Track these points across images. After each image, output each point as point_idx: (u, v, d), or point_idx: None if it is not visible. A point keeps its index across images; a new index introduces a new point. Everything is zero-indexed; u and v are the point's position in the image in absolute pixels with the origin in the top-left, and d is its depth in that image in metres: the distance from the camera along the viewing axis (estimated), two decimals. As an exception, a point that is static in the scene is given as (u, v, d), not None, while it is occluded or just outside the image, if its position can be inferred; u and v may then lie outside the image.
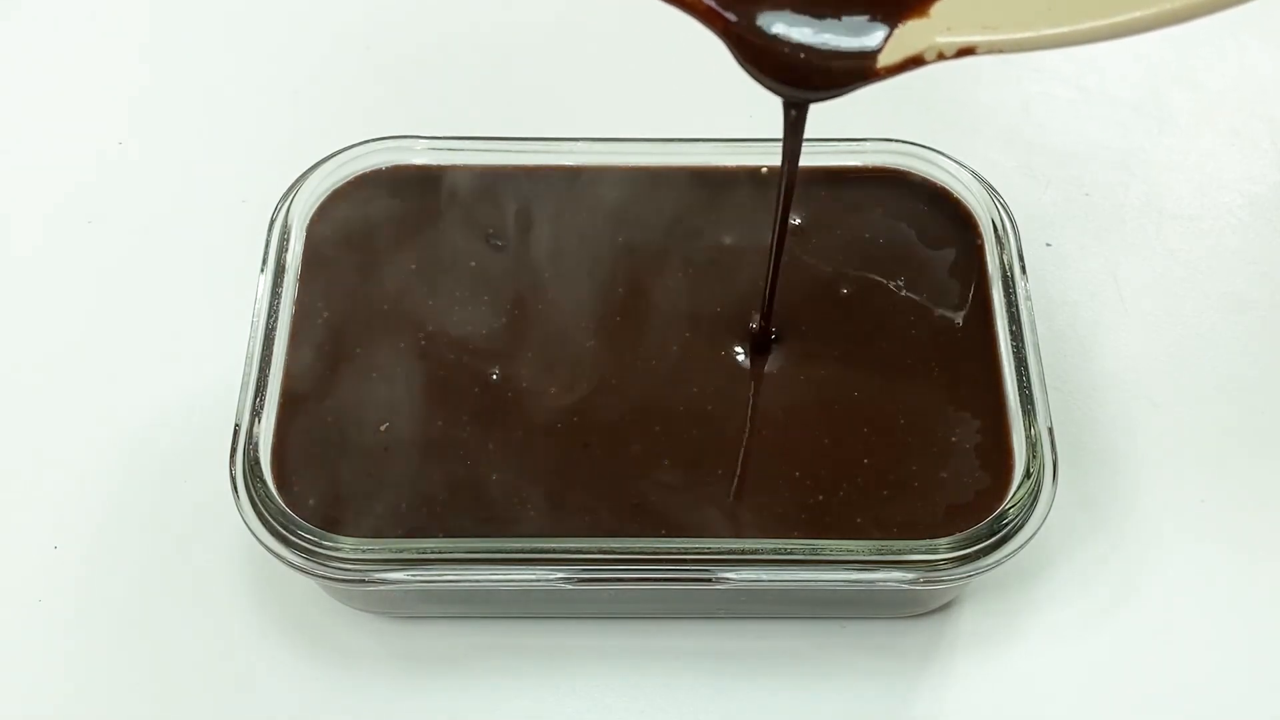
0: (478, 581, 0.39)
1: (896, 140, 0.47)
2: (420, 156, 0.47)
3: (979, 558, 0.38)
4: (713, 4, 0.33)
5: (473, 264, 0.45)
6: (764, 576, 0.38)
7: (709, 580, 0.38)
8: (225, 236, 0.51)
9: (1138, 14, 0.31)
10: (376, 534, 0.39)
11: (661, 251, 0.45)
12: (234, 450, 0.40)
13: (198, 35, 0.59)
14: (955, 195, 0.46)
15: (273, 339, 0.42)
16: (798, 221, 0.46)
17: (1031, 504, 0.39)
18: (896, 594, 0.41)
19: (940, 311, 0.44)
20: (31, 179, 0.54)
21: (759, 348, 0.43)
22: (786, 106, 0.37)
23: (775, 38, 0.34)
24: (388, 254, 0.45)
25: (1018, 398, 0.41)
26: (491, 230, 0.46)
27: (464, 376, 0.42)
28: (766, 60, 0.34)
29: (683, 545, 0.38)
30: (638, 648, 0.43)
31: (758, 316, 0.43)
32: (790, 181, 0.40)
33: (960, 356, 0.43)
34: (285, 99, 0.57)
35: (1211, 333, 0.50)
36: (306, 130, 0.55)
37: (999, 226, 0.45)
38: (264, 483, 0.39)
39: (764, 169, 0.46)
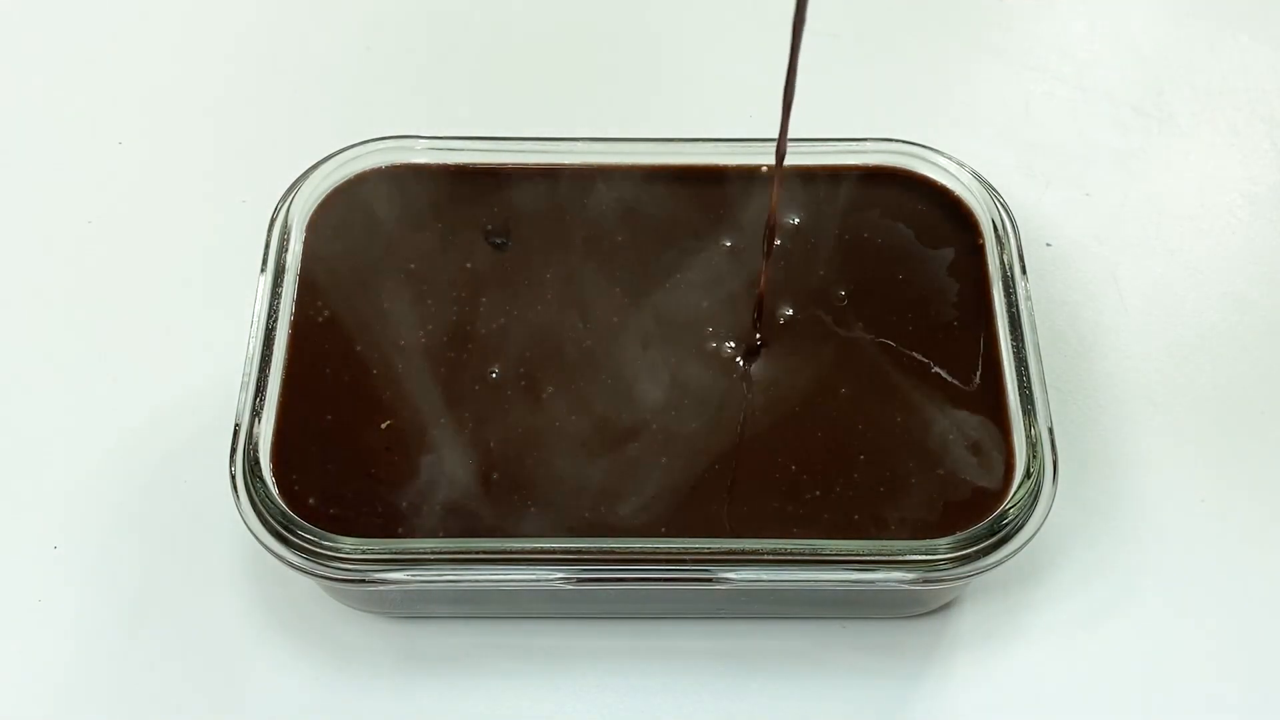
0: (478, 581, 0.39)
1: (896, 140, 0.47)
2: (420, 156, 0.47)
3: (979, 558, 0.38)
4: None
5: (472, 263, 0.45)
6: (764, 576, 0.38)
7: (709, 580, 0.38)
8: (225, 236, 0.51)
9: None
10: (376, 534, 0.39)
11: (660, 250, 0.45)
12: (234, 450, 0.40)
13: (197, 35, 0.59)
14: (955, 195, 0.46)
15: (273, 339, 0.42)
16: (796, 220, 0.46)
17: (1031, 504, 0.39)
18: (897, 594, 0.41)
19: (940, 311, 0.44)
20: (32, 179, 0.54)
21: (759, 345, 0.43)
22: None
23: None
24: (387, 254, 0.45)
25: (1018, 398, 0.41)
26: (490, 229, 0.46)
27: (463, 375, 0.42)
28: None
29: (683, 545, 0.38)
30: (638, 648, 0.43)
31: (757, 313, 0.43)
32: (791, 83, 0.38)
33: (960, 356, 0.43)
34: (285, 99, 0.57)
35: (1211, 333, 0.50)
36: (306, 130, 0.55)
37: (999, 226, 0.45)
38: (264, 483, 0.39)
39: (764, 168, 0.47)
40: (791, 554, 0.38)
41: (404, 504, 0.40)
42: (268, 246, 0.44)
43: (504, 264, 0.45)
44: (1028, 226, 0.47)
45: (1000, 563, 0.38)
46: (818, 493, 0.40)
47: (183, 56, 0.58)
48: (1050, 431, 0.40)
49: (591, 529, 0.39)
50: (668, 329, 0.43)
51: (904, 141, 0.47)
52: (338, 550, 0.38)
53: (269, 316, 0.42)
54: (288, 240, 0.44)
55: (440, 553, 0.38)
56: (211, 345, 0.47)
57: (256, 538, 0.39)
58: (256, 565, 0.43)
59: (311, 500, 0.40)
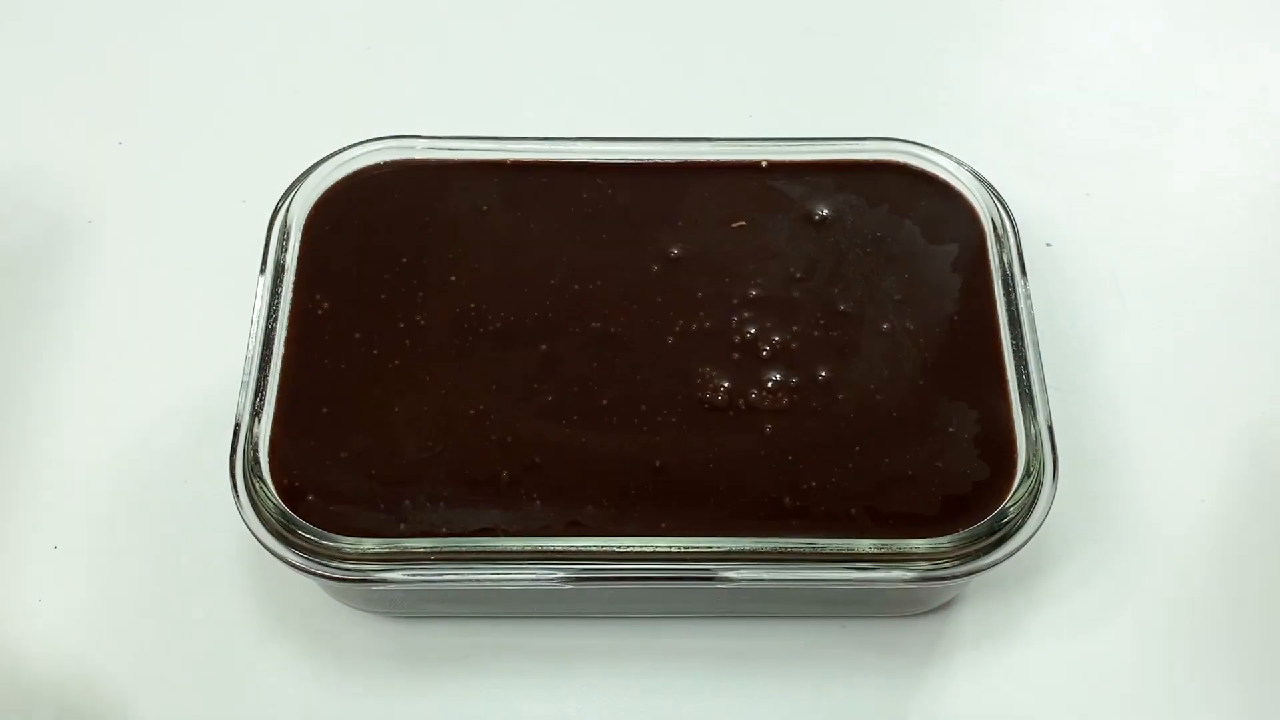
0: (478, 581, 0.39)
1: (897, 140, 0.47)
2: (420, 155, 0.47)
3: (979, 556, 0.38)
4: None
5: (472, 262, 0.45)
6: (764, 575, 0.38)
7: (709, 579, 0.38)
8: (225, 236, 0.51)
9: None
10: (377, 533, 0.39)
11: (659, 249, 0.45)
12: (234, 450, 0.40)
13: (197, 35, 0.59)
14: (956, 194, 0.46)
15: (273, 339, 0.42)
16: (794, 215, 0.46)
17: (1031, 503, 0.39)
18: (897, 593, 0.41)
19: (939, 310, 0.44)
20: (32, 179, 0.54)
21: (757, 339, 0.43)
22: None
23: None
24: (387, 253, 0.45)
25: (1018, 397, 0.41)
26: (490, 228, 0.46)
27: (463, 373, 0.42)
28: None
29: (683, 544, 0.38)
30: (638, 648, 0.43)
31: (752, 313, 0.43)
32: None
33: (960, 356, 0.43)
34: (285, 99, 0.57)
35: (1211, 333, 0.50)
36: (306, 130, 0.54)
37: (999, 226, 0.45)
38: (264, 483, 0.39)
39: (763, 163, 0.47)
40: (792, 553, 0.38)
41: (405, 502, 0.40)
42: (267, 246, 0.44)
43: (503, 262, 0.45)
44: (1028, 226, 0.47)
45: (1000, 562, 0.39)
46: (814, 483, 0.40)
47: (183, 56, 0.58)
48: (1050, 430, 0.40)
49: (592, 527, 0.39)
50: (666, 324, 0.43)
51: (904, 140, 0.47)
52: (338, 549, 0.38)
53: (269, 316, 0.42)
54: (287, 240, 0.44)
55: (440, 552, 0.38)
56: (211, 345, 0.47)
57: (256, 538, 0.39)
58: (256, 565, 0.43)
59: (311, 499, 0.40)
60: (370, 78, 0.58)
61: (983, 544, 0.38)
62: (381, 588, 0.39)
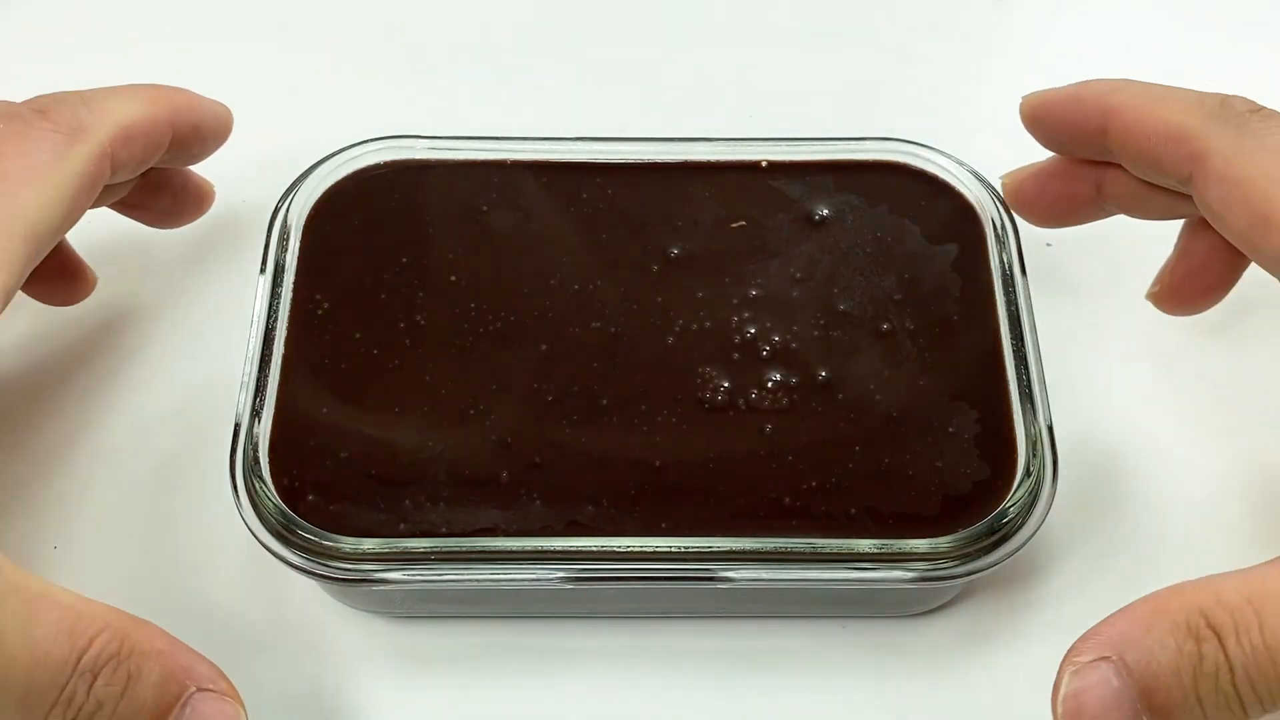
0: (477, 581, 0.39)
1: (897, 140, 0.47)
2: (420, 155, 0.47)
3: (979, 556, 0.38)
4: None
5: (472, 262, 0.45)
6: (764, 575, 0.38)
7: (709, 579, 0.38)
8: (225, 236, 0.51)
9: None
10: (377, 533, 0.39)
11: (659, 249, 0.45)
12: (234, 450, 0.40)
13: (196, 34, 0.59)
14: (956, 194, 0.46)
15: (272, 339, 0.42)
16: (794, 217, 0.46)
17: (1031, 503, 0.39)
18: (896, 593, 0.41)
19: (939, 310, 0.44)
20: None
21: (757, 339, 0.43)
22: None
23: None
24: (387, 253, 0.45)
25: (1018, 397, 0.41)
26: (490, 228, 0.46)
27: (465, 373, 0.42)
28: None
29: (683, 544, 0.38)
30: (638, 648, 0.43)
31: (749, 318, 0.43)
32: None
33: (960, 356, 0.43)
34: (285, 99, 0.56)
35: (1212, 333, 0.50)
36: (306, 130, 0.54)
37: (999, 226, 0.45)
38: (264, 482, 0.39)
39: (763, 163, 0.47)
40: (792, 552, 0.38)
41: (405, 502, 0.40)
42: (267, 246, 0.44)
43: (503, 262, 0.45)
44: (1028, 226, 0.47)
45: (1000, 562, 0.39)
46: (814, 483, 0.40)
47: (181, 55, 0.58)
48: (1050, 430, 0.40)
49: (592, 527, 0.39)
50: (665, 324, 0.43)
51: (904, 140, 0.47)
52: (338, 549, 0.38)
53: (268, 316, 0.42)
54: (287, 240, 0.44)
55: (440, 552, 0.38)
56: (211, 345, 0.47)
57: (256, 538, 0.39)
58: (256, 565, 0.43)
59: (311, 499, 0.40)
60: (370, 78, 0.58)
61: (983, 544, 0.39)
62: (381, 588, 0.39)
